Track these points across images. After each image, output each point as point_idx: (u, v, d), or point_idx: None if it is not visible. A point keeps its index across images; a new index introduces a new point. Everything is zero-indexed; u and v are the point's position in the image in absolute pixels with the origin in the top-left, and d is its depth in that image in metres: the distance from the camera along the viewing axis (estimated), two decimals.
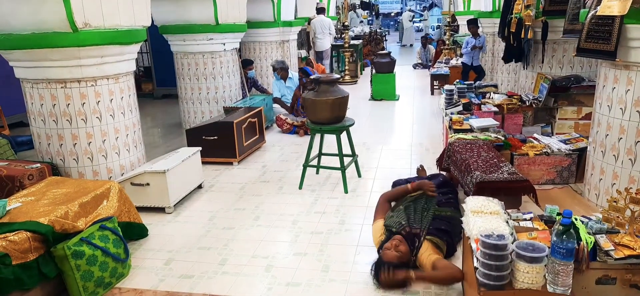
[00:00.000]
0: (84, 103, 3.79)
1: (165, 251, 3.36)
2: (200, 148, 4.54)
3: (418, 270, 2.79)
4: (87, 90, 3.78)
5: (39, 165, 3.73)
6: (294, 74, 7.47)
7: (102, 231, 2.94)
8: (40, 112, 3.83)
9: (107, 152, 3.97)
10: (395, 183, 3.96)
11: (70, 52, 3.59)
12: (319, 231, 3.56)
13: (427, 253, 2.83)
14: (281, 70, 7.14)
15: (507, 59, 6.17)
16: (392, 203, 3.48)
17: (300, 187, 4.47)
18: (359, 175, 4.72)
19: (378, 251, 2.98)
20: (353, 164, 4.66)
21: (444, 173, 4.17)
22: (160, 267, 3.15)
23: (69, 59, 3.63)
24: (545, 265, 1.98)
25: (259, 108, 5.84)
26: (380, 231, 3.13)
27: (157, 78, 10.51)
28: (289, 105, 7.12)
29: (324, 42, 11.61)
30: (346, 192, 4.31)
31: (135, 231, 3.45)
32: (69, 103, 3.76)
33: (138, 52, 4.35)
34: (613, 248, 2.19)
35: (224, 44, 6.40)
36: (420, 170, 4.44)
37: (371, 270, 2.87)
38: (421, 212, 3.16)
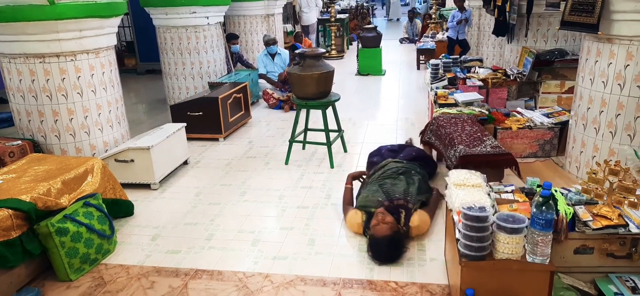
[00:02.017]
0: (64, 78, 3.70)
1: (151, 227, 3.36)
2: (185, 124, 4.49)
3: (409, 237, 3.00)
4: (66, 65, 3.69)
5: (20, 142, 3.66)
6: (283, 50, 7.38)
7: (86, 208, 2.92)
8: (19, 88, 3.73)
9: (89, 128, 3.90)
10: (378, 151, 3.99)
11: (47, 25, 3.49)
12: (305, 206, 3.58)
13: (423, 218, 3.02)
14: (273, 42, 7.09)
15: (497, 32, 6.17)
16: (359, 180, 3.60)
17: (286, 163, 4.47)
18: (345, 150, 4.73)
19: (365, 234, 3.00)
20: (339, 139, 4.67)
21: (419, 146, 4.25)
22: (146, 243, 3.15)
23: (47, 32, 3.53)
24: (524, 236, 2.03)
25: (245, 84, 5.78)
26: (358, 216, 3.10)
27: (140, 53, 10.30)
28: (275, 80, 7.06)
29: (310, 16, 11.46)
30: (332, 166, 4.33)
31: (121, 209, 3.43)
32: (49, 78, 3.67)
33: (120, 26, 4.25)
34: (591, 218, 2.26)
35: (208, 18, 6.27)
36: (409, 142, 4.49)
37: (368, 252, 2.85)
38: (397, 185, 3.18)
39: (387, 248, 2.76)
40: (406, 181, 3.24)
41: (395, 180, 3.27)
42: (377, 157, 3.89)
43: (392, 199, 3.07)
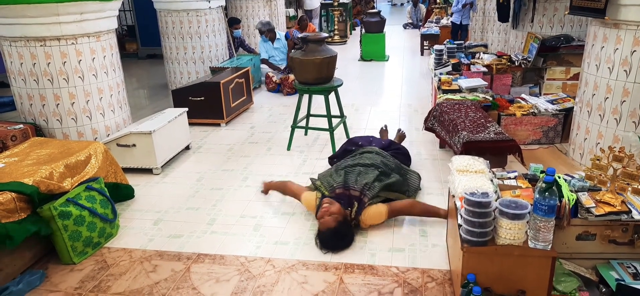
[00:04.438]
0: (64, 62, 3.69)
1: (153, 211, 3.37)
2: (186, 109, 4.48)
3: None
4: (67, 48, 3.67)
5: (22, 125, 3.66)
6: (282, 34, 7.33)
7: (89, 192, 2.92)
8: (20, 72, 3.72)
9: (91, 113, 3.90)
10: (352, 142, 3.85)
11: (48, 8, 3.46)
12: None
13: (375, 210, 2.93)
14: (268, 32, 6.97)
15: (502, 18, 6.13)
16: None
17: (288, 148, 4.46)
18: (348, 136, 4.70)
19: (317, 215, 2.96)
20: (341, 125, 4.65)
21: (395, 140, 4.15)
22: (148, 227, 3.16)
23: (48, 15, 3.50)
24: (527, 222, 2.02)
25: (247, 69, 5.75)
26: (312, 196, 3.09)
27: (141, 37, 10.25)
28: (277, 65, 7.03)
29: (313, 1, 11.36)
30: (334, 152, 4.31)
31: (122, 193, 3.44)
32: (50, 62, 3.66)
33: (120, 10, 4.21)
34: (594, 205, 2.24)
35: (209, 1, 6.21)
36: (383, 130, 4.35)
37: (315, 241, 2.86)
38: (364, 176, 3.08)
39: (332, 240, 2.78)
40: (377, 176, 3.09)
41: (366, 169, 3.16)
42: (355, 146, 3.76)
43: (348, 188, 2.99)
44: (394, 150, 3.69)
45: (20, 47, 3.63)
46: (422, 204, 3.09)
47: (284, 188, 3.37)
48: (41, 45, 3.61)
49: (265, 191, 3.52)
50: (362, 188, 2.98)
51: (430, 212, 3.04)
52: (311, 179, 3.33)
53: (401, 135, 4.28)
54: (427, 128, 4.27)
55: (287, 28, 9.56)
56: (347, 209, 2.91)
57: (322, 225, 2.83)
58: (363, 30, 8.98)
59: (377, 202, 2.97)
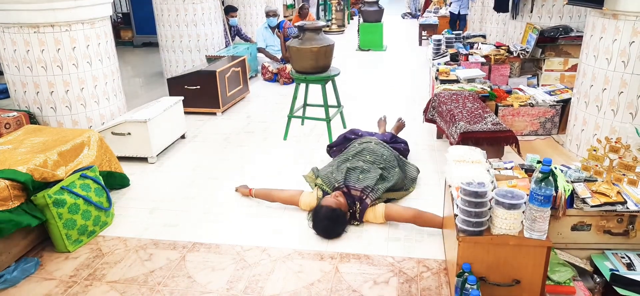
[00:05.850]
0: (59, 49, 3.64)
1: (149, 200, 3.35)
2: (182, 97, 4.45)
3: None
4: (61, 35, 3.62)
5: (15, 113, 3.62)
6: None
7: (83, 180, 2.90)
8: (14, 59, 3.67)
9: (85, 101, 3.86)
10: (352, 132, 3.88)
11: None
12: (303, 182, 3.57)
13: (371, 213, 2.93)
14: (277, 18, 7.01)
15: (498, 8, 6.09)
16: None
17: (285, 138, 4.44)
18: (345, 126, 4.69)
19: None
20: (338, 115, 4.63)
21: (394, 132, 4.11)
22: (144, 216, 3.15)
23: (41, 1, 3.45)
24: (523, 212, 2.02)
25: (243, 58, 5.71)
26: (313, 197, 3.04)
27: (137, 25, 10.15)
28: (274, 55, 6.98)
29: None
30: (331, 142, 4.30)
31: (116, 181, 3.43)
32: (43, 49, 3.61)
33: None
34: (590, 195, 2.25)
35: None
36: (382, 120, 4.36)
37: (308, 214, 2.92)
38: (366, 176, 3.07)
39: (325, 218, 2.77)
40: (380, 175, 3.09)
41: (369, 167, 3.15)
42: (355, 136, 3.77)
43: (349, 187, 2.99)
44: (394, 144, 3.69)
45: (14, 34, 3.58)
46: (425, 217, 2.83)
47: (271, 196, 3.21)
48: (35, 32, 3.56)
49: (245, 195, 3.36)
50: (363, 188, 2.98)
51: (435, 225, 2.82)
52: (305, 177, 3.36)
53: (400, 124, 4.26)
54: (427, 120, 4.25)
55: (285, 16, 9.49)
56: (350, 208, 2.93)
57: (324, 201, 2.87)
58: (361, 20, 8.93)
59: (378, 203, 2.97)
